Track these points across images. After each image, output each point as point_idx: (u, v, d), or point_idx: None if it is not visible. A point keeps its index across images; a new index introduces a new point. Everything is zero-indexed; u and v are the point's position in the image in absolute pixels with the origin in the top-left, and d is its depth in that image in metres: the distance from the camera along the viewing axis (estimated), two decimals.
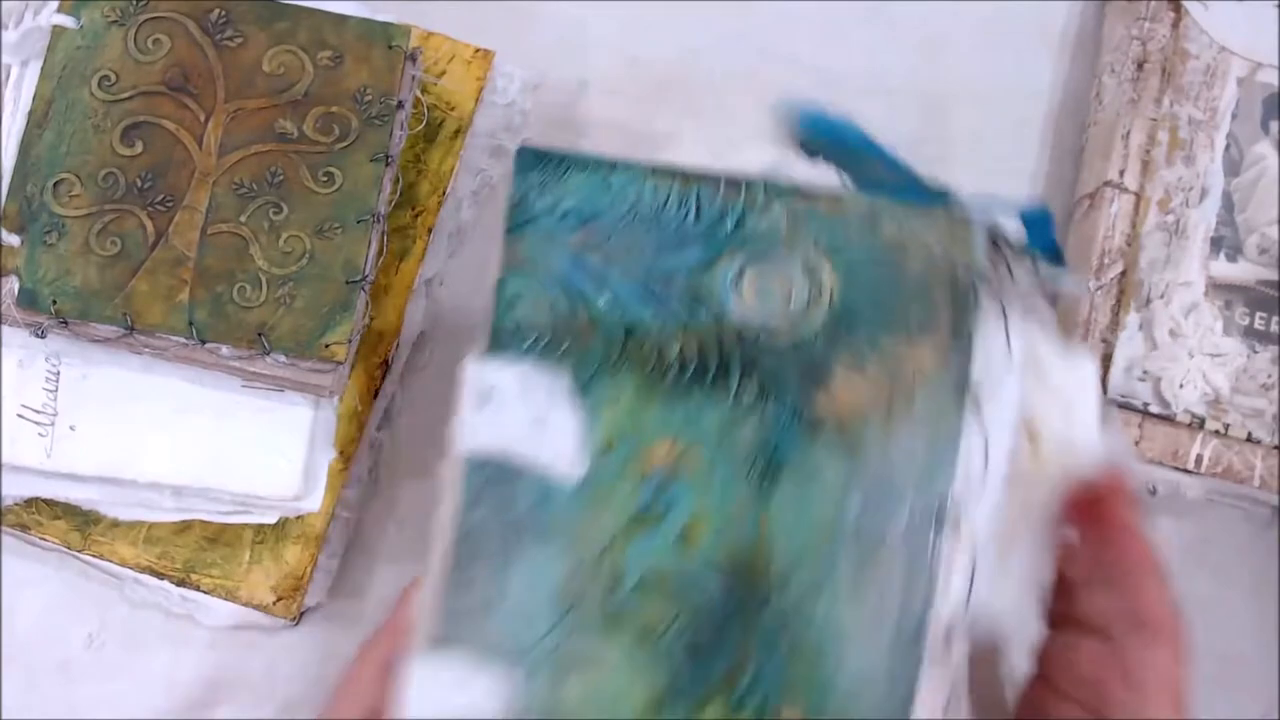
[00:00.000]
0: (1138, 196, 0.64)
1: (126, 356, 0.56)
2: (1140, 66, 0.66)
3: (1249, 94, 0.66)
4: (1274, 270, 0.64)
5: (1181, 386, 0.62)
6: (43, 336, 0.56)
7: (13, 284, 0.55)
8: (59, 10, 0.57)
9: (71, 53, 0.57)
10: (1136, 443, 0.62)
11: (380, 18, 0.59)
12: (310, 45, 0.58)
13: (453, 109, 0.64)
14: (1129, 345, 0.63)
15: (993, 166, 0.68)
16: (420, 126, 0.62)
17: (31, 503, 0.59)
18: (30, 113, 0.56)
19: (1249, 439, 0.62)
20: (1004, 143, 0.69)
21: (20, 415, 0.56)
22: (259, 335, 0.55)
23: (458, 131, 0.63)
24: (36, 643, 0.60)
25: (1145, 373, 0.62)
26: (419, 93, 0.61)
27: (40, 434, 0.56)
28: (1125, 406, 0.62)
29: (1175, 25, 0.66)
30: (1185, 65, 0.66)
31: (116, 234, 0.56)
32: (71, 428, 0.56)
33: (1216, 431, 0.62)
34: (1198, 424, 0.62)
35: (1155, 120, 0.65)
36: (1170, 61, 0.65)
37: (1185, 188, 0.64)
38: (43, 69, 0.57)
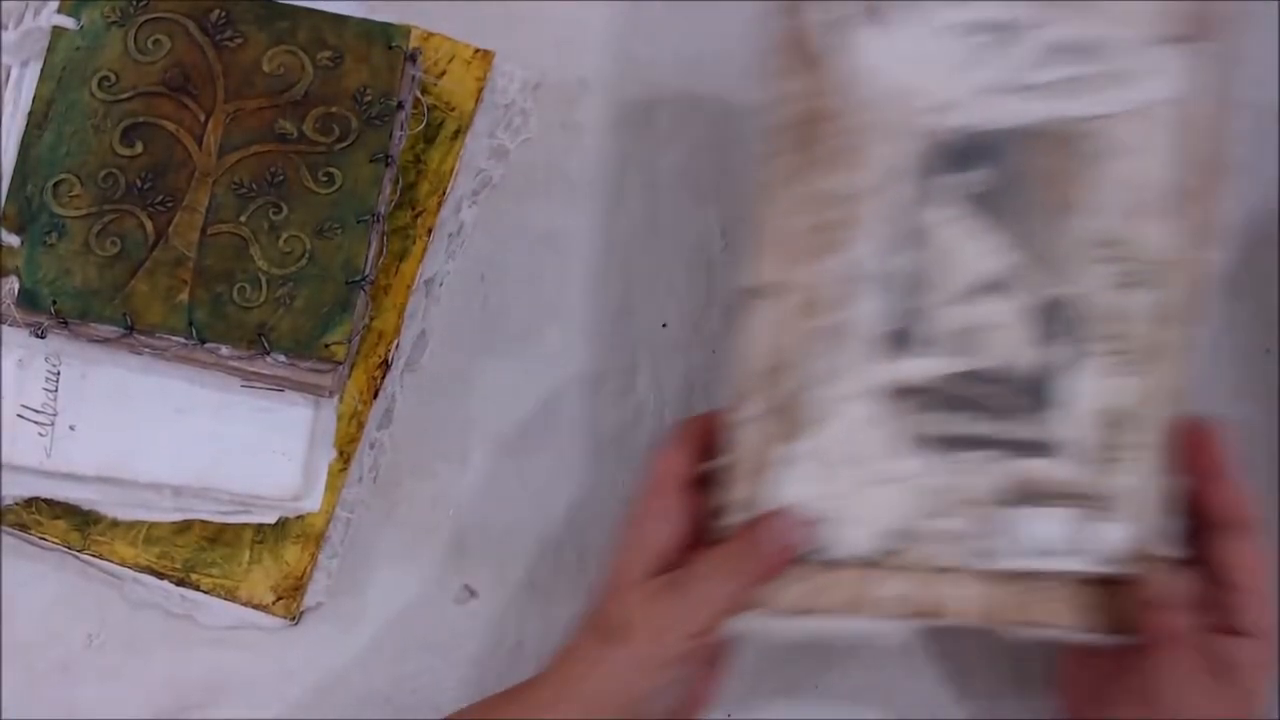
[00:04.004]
0: (785, 297, 0.50)
1: (126, 356, 0.56)
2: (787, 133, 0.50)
3: (911, 149, 0.50)
4: (964, 361, 0.51)
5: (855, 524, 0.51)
6: (43, 336, 0.56)
7: (13, 284, 0.55)
8: (59, 10, 0.57)
9: (71, 53, 0.57)
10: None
11: (380, 18, 0.59)
12: (310, 45, 0.58)
13: (453, 109, 0.64)
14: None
15: None
16: (420, 126, 0.62)
17: (31, 503, 0.59)
18: (30, 113, 0.56)
19: (941, 570, 0.51)
20: None
21: (20, 415, 0.56)
22: (259, 335, 0.55)
23: (458, 131, 0.63)
24: (36, 643, 0.60)
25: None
26: (419, 93, 0.62)
27: (40, 434, 0.56)
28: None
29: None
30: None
31: (116, 234, 0.56)
32: (71, 428, 0.56)
33: (902, 568, 0.51)
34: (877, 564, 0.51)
35: (801, 200, 0.50)
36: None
37: (841, 279, 0.50)
38: (43, 69, 0.57)
